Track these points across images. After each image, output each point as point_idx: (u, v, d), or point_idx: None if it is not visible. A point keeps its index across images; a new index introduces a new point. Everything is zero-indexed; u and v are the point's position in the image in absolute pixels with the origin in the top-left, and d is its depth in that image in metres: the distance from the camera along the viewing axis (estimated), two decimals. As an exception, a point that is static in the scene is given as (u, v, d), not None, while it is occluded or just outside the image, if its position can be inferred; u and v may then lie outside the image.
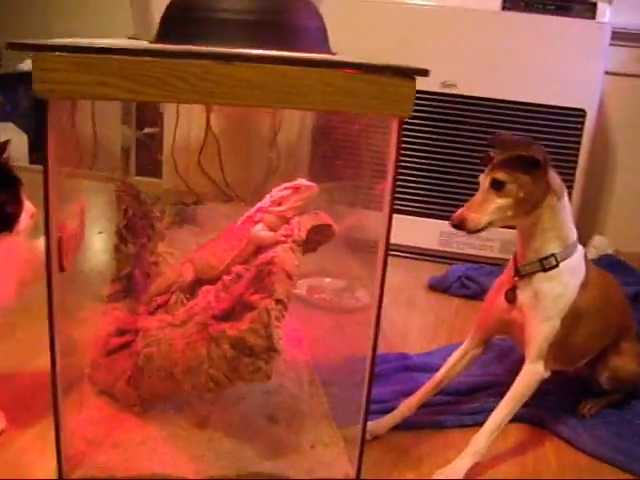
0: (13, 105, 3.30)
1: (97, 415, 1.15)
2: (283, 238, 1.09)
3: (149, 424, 1.13)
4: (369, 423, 1.19)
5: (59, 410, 0.95)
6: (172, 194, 2.44)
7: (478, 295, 1.93)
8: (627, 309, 1.41)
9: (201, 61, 0.81)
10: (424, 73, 0.85)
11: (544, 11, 2.11)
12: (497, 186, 1.10)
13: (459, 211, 1.11)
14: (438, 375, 1.26)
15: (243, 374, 0.99)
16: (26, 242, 1.06)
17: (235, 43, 0.93)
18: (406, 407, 1.24)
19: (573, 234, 1.18)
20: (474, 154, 2.10)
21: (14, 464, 1.05)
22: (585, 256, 1.23)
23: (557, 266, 1.15)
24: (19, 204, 1.01)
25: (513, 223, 1.15)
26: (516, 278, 1.18)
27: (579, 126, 2.15)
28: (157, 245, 1.55)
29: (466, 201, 1.13)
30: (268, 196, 1.17)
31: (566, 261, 1.16)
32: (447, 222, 1.12)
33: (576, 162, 2.17)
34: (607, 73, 2.23)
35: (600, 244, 2.39)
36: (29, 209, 1.02)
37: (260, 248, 1.13)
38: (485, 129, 2.13)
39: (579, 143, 2.16)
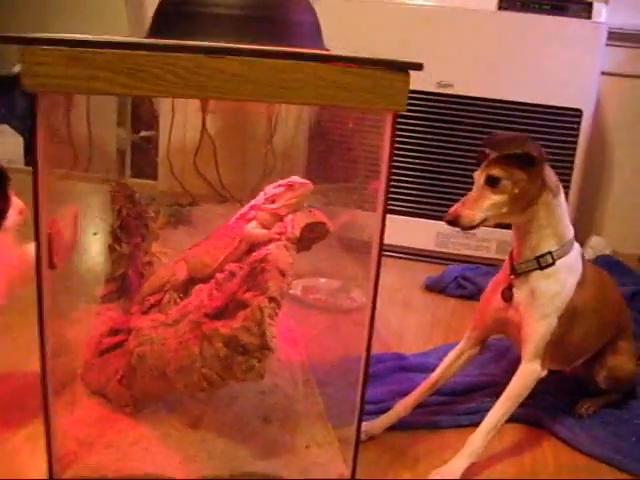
0: (8, 108, 3.29)
1: (89, 415, 1.14)
2: (277, 236, 1.08)
3: (141, 424, 1.12)
4: (364, 423, 1.18)
5: (49, 410, 0.94)
6: (167, 195, 2.44)
7: (474, 295, 1.92)
8: (624, 308, 1.40)
9: (192, 55, 0.81)
10: (418, 67, 0.85)
11: (540, 11, 2.10)
12: (492, 182, 1.09)
13: (453, 207, 1.11)
14: (434, 375, 1.25)
15: (236, 373, 0.97)
16: (16, 247, 1.05)
17: (228, 38, 0.92)
18: (402, 407, 1.23)
19: (569, 232, 1.17)
20: (471, 154, 2.08)
21: (7, 464, 1.04)
22: (582, 254, 1.22)
23: (553, 264, 1.15)
24: (6, 200, 1.00)
25: (508, 220, 1.14)
26: (512, 276, 1.17)
27: (575, 126, 2.14)
28: (151, 245, 1.53)
29: (463, 201, 1.12)
30: (262, 193, 1.16)
31: (563, 259, 1.15)
32: (443, 222, 1.11)
33: (573, 162, 2.16)
34: (603, 73, 2.23)
35: (597, 245, 2.39)
36: (17, 205, 1.01)
37: (254, 246, 1.11)
38: (482, 129, 2.13)
39: (576, 143, 2.15)
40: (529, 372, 1.15)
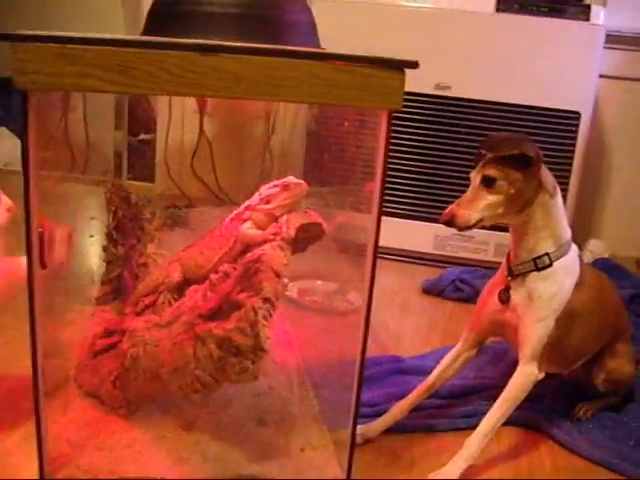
0: (6, 110, 3.28)
1: (82, 417, 1.13)
2: (271, 236, 1.07)
3: (135, 427, 1.11)
4: (361, 426, 1.17)
5: (41, 411, 0.93)
6: (164, 198, 2.43)
7: (472, 298, 1.91)
8: (622, 310, 1.39)
9: (185, 52, 0.80)
10: (413, 65, 0.84)
11: (538, 13, 2.10)
12: (488, 183, 1.08)
13: (449, 208, 1.10)
14: (431, 378, 1.24)
15: (230, 374, 0.96)
16: (5, 258, 1.04)
17: (222, 36, 0.92)
18: (398, 410, 1.22)
19: (567, 233, 1.17)
20: (469, 157, 2.08)
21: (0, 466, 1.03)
22: (580, 256, 1.21)
23: (551, 265, 1.14)
24: None
25: (505, 221, 1.14)
26: (509, 278, 1.16)
27: (574, 129, 2.14)
28: (146, 247, 1.53)
29: (460, 202, 1.12)
30: (257, 194, 1.15)
31: (560, 260, 1.15)
32: (440, 225, 1.11)
33: (571, 165, 2.16)
34: (601, 76, 2.23)
35: (596, 248, 2.38)
36: (5, 203, 1.00)
37: (248, 246, 1.11)
38: (480, 131, 2.12)
39: (574, 146, 2.15)
40: (526, 375, 1.14)
